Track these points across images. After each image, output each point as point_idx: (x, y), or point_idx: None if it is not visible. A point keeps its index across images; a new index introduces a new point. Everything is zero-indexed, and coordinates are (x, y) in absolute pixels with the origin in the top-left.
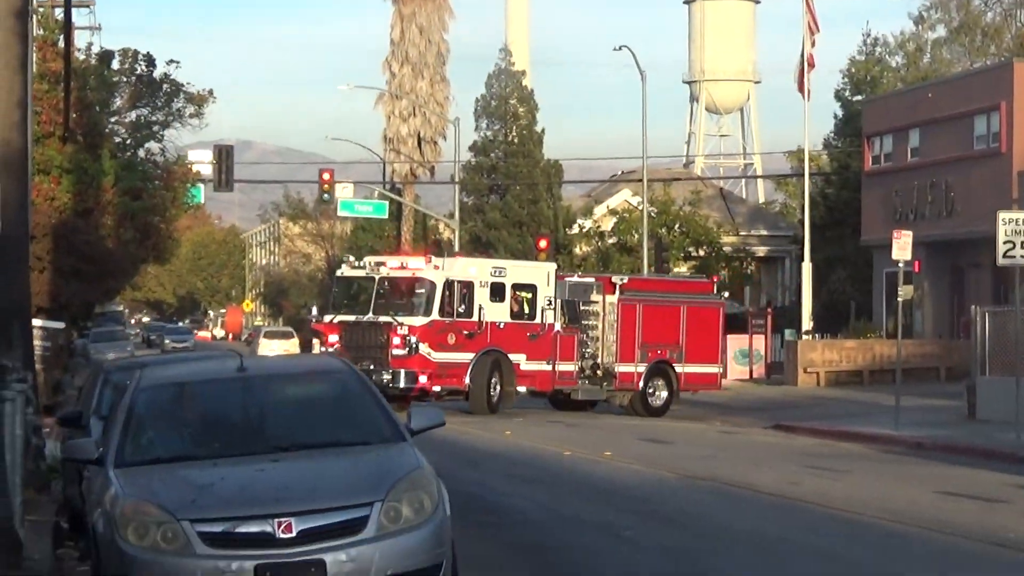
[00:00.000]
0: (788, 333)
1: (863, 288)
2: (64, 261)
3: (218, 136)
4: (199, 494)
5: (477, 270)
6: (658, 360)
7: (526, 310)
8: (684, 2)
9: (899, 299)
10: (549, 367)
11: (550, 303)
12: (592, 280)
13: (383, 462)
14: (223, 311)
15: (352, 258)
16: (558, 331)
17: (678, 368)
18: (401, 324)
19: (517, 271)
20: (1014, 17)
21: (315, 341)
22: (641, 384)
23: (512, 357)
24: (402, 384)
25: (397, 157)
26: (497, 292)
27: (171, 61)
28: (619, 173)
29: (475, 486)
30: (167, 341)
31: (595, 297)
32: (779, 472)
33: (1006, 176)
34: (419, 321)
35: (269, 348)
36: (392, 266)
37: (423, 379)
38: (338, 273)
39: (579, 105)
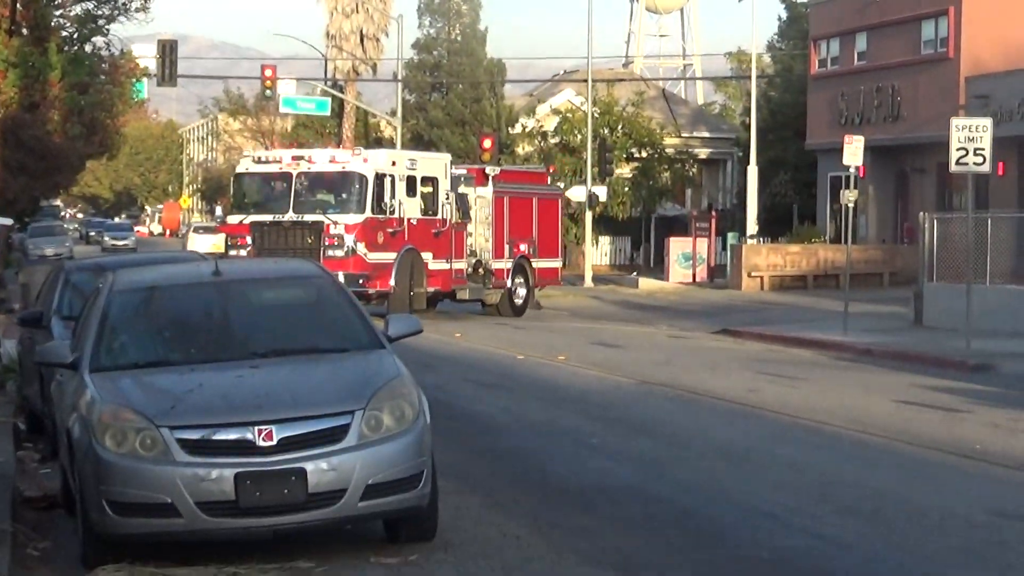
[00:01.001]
0: (731, 237)
1: (805, 192)
2: (11, 156)
3: (153, 29)
4: (178, 400)
5: (397, 163)
6: (520, 256)
7: (429, 205)
8: None
9: (844, 203)
10: (448, 266)
11: (448, 197)
12: (464, 171)
13: (363, 370)
14: (160, 207)
15: (255, 153)
16: (452, 227)
17: (534, 263)
18: (335, 223)
19: (424, 163)
20: None
21: (225, 244)
22: (509, 281)
23: (423, 256)
24: None
25: (339, 54)
26: (411, 186)
27: None
28: (561, 72)
29: (437, 391)
30: (106, 238)
31: (465, 189)
32: (736, 378)
33: (953, 81)
34: (354, 219)
35: (198, 243)
36: (315, 160)
37: (361, 281)
38: (240, 170)
39: (522, 3)
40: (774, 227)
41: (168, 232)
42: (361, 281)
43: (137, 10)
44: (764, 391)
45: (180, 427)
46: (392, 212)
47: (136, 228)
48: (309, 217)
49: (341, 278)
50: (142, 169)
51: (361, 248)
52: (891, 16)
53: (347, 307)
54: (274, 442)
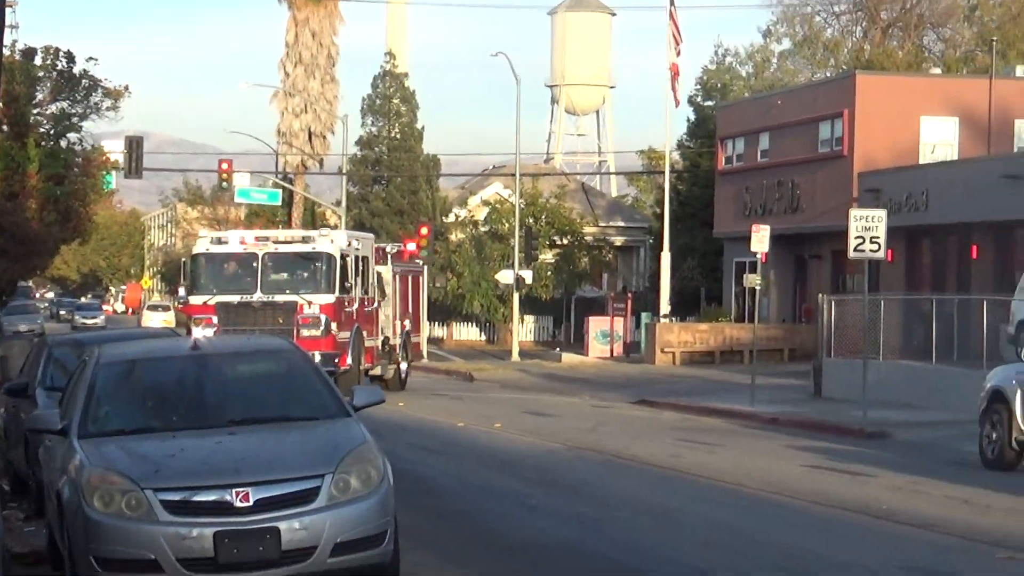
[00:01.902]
0: (644, 316)
1: (712, 276)
2: None
3: (120, 127)
4: (161, 464)
5: (350, 243)
6: (404, 331)
7: (365, 284)
8: (548, 13)
9: (748, 286)
10: (374, 343)
11: (375, 276)
12: None
13: (332, 436)
14: (123, 287)
15: (213, 233)
16: (377, 306)
17: (414, 339)
18: (310, 302)
19: (363, 243)
20: (851, 33)
21: (189, 325)
22: (400, 356)
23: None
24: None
25: (289, 149)
26: (357, 266)
27: (90, 58)
28: (490, 167)
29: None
30: (77, 317)
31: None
32: (658, 445)
33: (847, 177)
34: (327, 298)
35: (151, 319)
36: (282, 239)
37: (346, 360)
38: (198, 250)
39: (454, 105)
40: (683, 308)
41: (130, 311)
42: (336, 360)
43: (108, 109)
44: (684, 456)
45: (163, 489)
46: (350, 291)
47: (103, 307)
48: (280, 297)
49: (318, 357)
50: (107, 253)
51: (334, 327)
52: (791, 118)
53: (315, 379)
54: (251, 503)
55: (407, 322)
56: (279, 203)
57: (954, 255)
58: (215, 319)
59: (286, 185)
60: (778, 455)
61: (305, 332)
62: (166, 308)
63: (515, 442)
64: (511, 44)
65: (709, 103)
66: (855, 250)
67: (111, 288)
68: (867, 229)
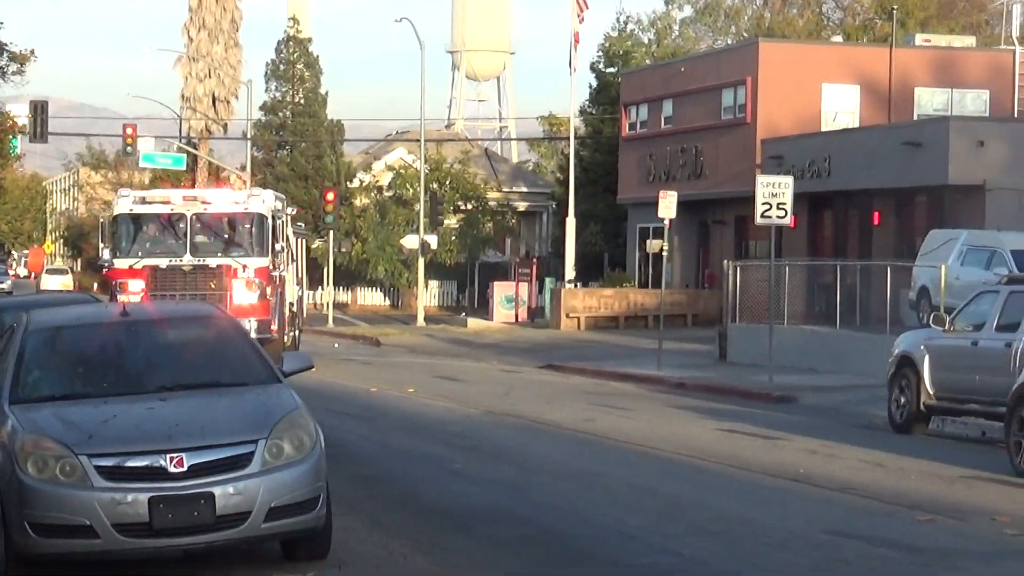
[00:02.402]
0: (549, 281)
1: (615, 242)
2: None
3: (22, 91)
4: (94, 430)
5: (278, 204)
6: (300, 295)
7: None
8: None
9: (650, 251)
10: (286, 309)
11: (287, 239)
12: None
13: (264, 402)
14: (26, 252)
15: (137, 192)
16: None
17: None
18: (244, 267)
19: (282, 204)
20: (751, 1)
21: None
22: (298, 322)
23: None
24: (254, 335)
25: (193, 114)
26: (283, 228)
27: None
28: (394, 133)
29: None
30: None
31: None
32: (571, 409)
33: (751, 144)
34: (262, 262)
35: (49, 283)
36: (210, 200)
37: (274, 327)
38: (120, 211)
39: (358, 70)
40: (587, 273)
41: (33, 275)
42: (273, 327)
43: (14, 73)
44: (599, 420)
45: (97, 455)
46: (279, 254)
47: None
48: (213, 260)
49: (254, 325)
50: (9, 217)
51: (268, 292)
52: (695, 85)
53: (245, 345)
54: (185, 468)
55: (300, 286)
56: (183, 168)
57: (856, 222)
58: (142, 284)
59: (190, 150)
60: (690, 419)
61: (239, 298)
62: (64, 272)
63: (430, 407)
64: (413, 10)
65: (611, 70)
66: (762, 216)
67: (13, 252)
68: (774, 196)
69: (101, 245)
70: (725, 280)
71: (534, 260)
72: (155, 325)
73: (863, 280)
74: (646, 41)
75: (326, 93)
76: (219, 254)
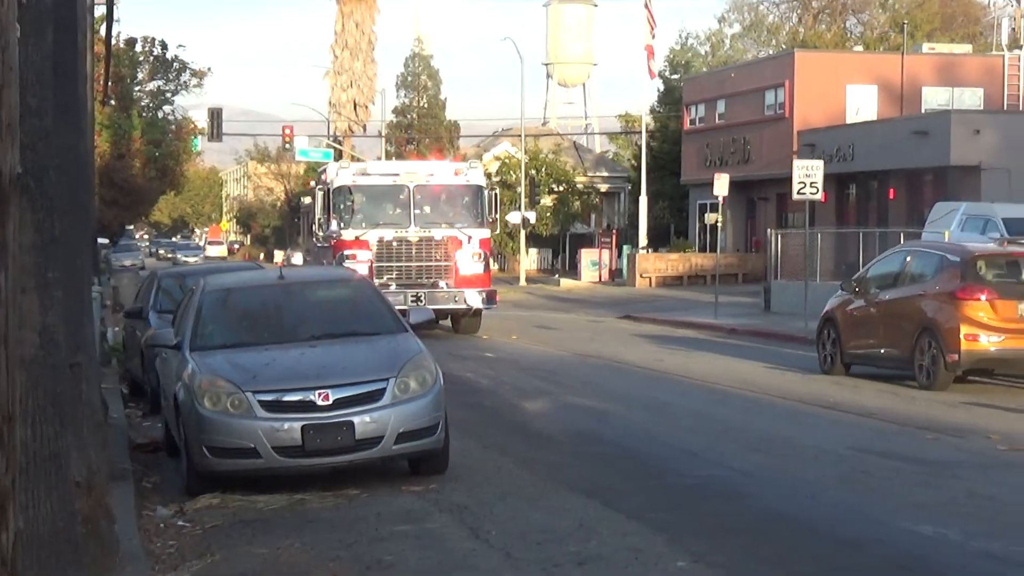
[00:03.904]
0: (626, 248)
1: (679, 216)
2: (106, 193)
3: (202, 100)
4: (257, 372)
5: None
6: None
7: None
8: (543, 5)
9: (708, 223)
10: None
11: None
12: None
13: (394, 347)
14: (206, 229)
15: (357, 164)
16: None
17: None
18: (469, 237)
19: None
20: (788, 18)
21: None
22: None
23: None
24: (479, 305)
25: (339, 117)
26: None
27: (179, 45)
28: (500, 130)
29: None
30: (179, 256)
31: None
32: (644, 351)
33: (788, 135)
34: (484, 233)
35: (210, 251)
36: (433, 172)
37: (497, 298)
38: (342, 182)
39: (470, 80)
40: (656, 241)
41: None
42: (497, 297)
43: (194, 86)
44: (666, 360)
45: (260, 391)
46: (493, 226)
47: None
48: (439, 232)
49: (477, 296)
50: (192, 202)
51: (489, 263)
52: (743, 87)
53: (378, 302)
54: (330, 402)
55: None
56: (331, 160)
57: (875, 197)
58: (369, 254)
59: (336, 146)
60: (739, 359)
61: (466, 268)
62: (220, 243)
63: (531, 350)
64: (514, 31)
65: (675, 76)
66: (798, 193)
67: (196, 230)
68: (808, 176)
69: (319, 217)
70: (769, 245)
71: (614, 231)
72: (306, 286)
73: (881, 244)
74: (703, 52)
75: (445, 99)
76: (443, 225)
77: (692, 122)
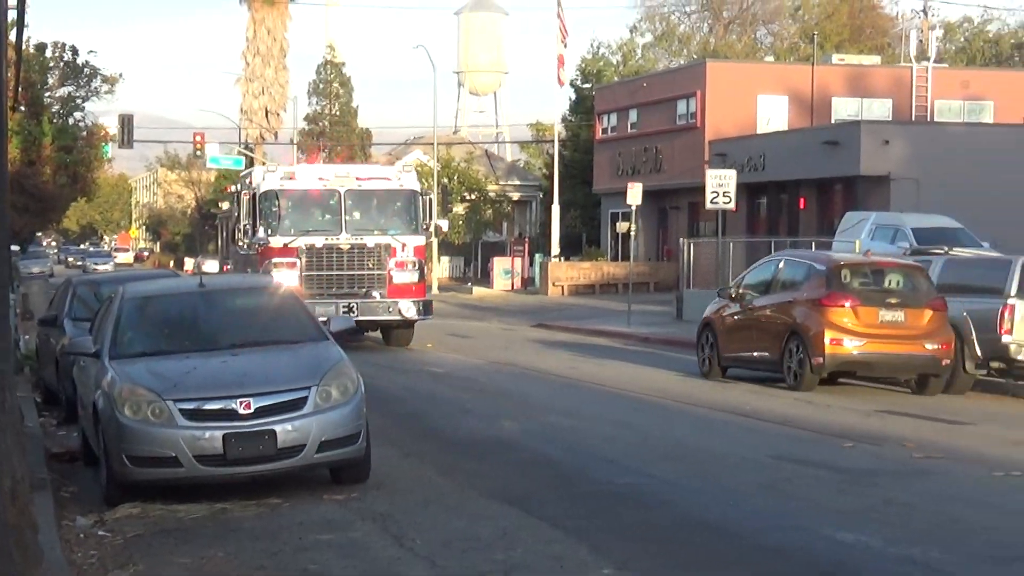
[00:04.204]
0: (538, 256)
1: (591, 224)
2: (17, 200)
3: (112, 107)
4: (178, 380)
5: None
6: None
7: None
8: (455, 14)
9: (620, 232)
10: None
11: None
12: None
13: (315, 356)
14: (115, 236)
15: (282, 168)
16: None
17: None
18: (404, 245)
19: None
20: (699, 28)
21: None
22: None
23: None
24: (414, 316)
25: (250, 124)
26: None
27: (91, 51)
28: (412, 138)
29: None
30: (89, 263)
31: None
32: (558, 359)
33: (700, 144)
34: (419, 240)
35: (119, 257)
36: (363, 175)
37: (432, 309)
38: (269, 186)
39: (382, 87)
40: (568, 250)
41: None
42: (430, 308)
43: (105, 92)
44: (581, 367)
45: (181, 400)
46: (427, 234)
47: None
48: (371, 239)
49: (413, 307)
50: (101, 209)
51: (424, 272)
52: (654, 97)
53: (299, 309)
54: (252, 410)
55: None
56: (243, 167)
57: (786, 206)
58: (297, 262)
59: (248, 153)
60: (653, 367)
61: (400, 277)
62: (126, 250)
63: (445, 358)
64: (426, 39)
65: (587, 85)
66: (711, 202)
67: (105, 236)
68: (720, 185)
69: (244, 223)
70: (681, 254)
71: (526, 239)
72: (227, 294)
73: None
74: (614, 62)
75: (357, 106)
76: (375, 232)
77: (604, 131)
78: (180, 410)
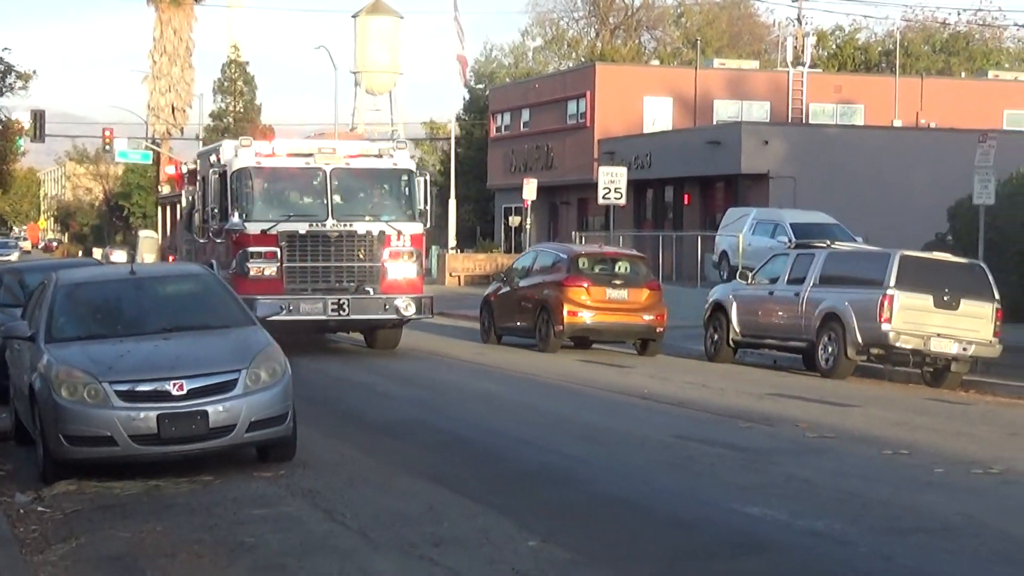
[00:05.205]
0: (435, 248)
1: (484, 218)
2: None
3: (23, 103)
4: (113, 363)
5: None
6: None
7: None
8: (352, 16)
9: (512, 225)
10: None
11: None
12: None
13: (244, 339)
14: (24, 227)
15: (257, 143)
16: None
17: None
18: (399, 233)
19: None
20: (587, 33)
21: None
22: None
23: None
24: (412, 314)
25: (157, 120)
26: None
27: (5, 48)
28: (312, 135)
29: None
30: None
31: None
32: (464, 347)
33: (589, 143)
34: (415, 227)
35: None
36: (354, 153)
37: (432, 306)
38: (243, 163)
39: (284, 86)
40: (464, 242)
41: (31, 245)
42: (431, 306)
43: (20, 88)
44: (488, 355)
45: (116, 381)
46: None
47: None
48: (362, 226)
49: (411, 304)
50: (11, 201)
51: (423, 264)
52: (546, 97)
53: (227, 296)
54: (184, 392)
55: None
56: (150, 161)
57: (671, 202)
58: (276, 251)
59: (155, 148)
60: (559, 354)
61: (395, 270)
62: (25, 240)
63: (352, 345)
64: (325, 40)
65: (480, 86)
66: (603, 197)
67: (14, 227)
68: (612, 182)
69: (211, 207)
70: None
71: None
72: (157, 280)
73: (678, 246)
74: (507, 64)
75: (260, 104)
76: (366, 218)
77: (498, 129)
78: (115, 391)
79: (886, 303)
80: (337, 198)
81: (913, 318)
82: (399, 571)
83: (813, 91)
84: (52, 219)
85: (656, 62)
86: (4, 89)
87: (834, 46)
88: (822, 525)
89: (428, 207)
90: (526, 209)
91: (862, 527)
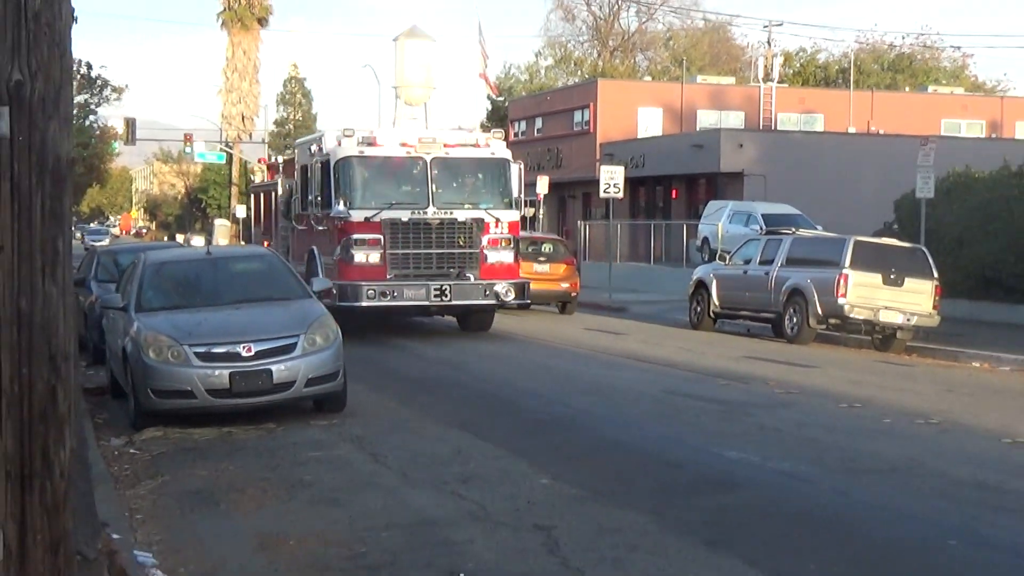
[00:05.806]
0: None
1: None
2: None
3: (118, 111)
4: (192, 329)
5: None
6: None
7: None
8: (393, 40)
9: (527, 216)
10: None
11: None
12: None
13: (302, 310)
14: (119, 217)
15: (359, 132)
16: None
17: None
18: (497, 220)
19: None
20: (590, 54)
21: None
22: None
23: None
24: (511, 300)
25: (229, 127)
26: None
27: (102, 66)
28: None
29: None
30: (87, 239)
31: None
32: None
33: (592, 146)
34: (512, 215)
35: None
36: (453, 143)
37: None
38: (345, 153)
39: (338, 99)
40: None
41: (124, 232)
42: (529, 291)
43: (114, 99)
44: (503, 324)
45: (195, 344)
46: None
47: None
48: (462, 214)
49: (509, 290)
50: (108, 195)
51: (519, 250)
52: (556, 108)
53: (288, 273)
54: (252, 353)
55: None
56: (224, 162)
57: (661, 196)
58: (380, 238)
59: (228, 150)
60: (563, 323)
61: (494, 256)
62: (115, 227)
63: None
64: (370, 59)
65: (500, 99)
66: (604, 191)
67: (110, 216)
68: (611, 179)
69: (314, 195)
70: (578, 234)
71: None
72: (229, 260)
73: (667, 233)
74: (523, 80)
75: (316, 113)
76: (466, 205)
77: (516, 135)
78: (194, 353)
79: (842, 281)
80: (437, 186)
81: (865, 293)
82: (433, 504)
83: (781, 102)
84: (142, 210)
85: (648, 78)
86: (101, 100)
87: (798, 65)
88: (789, 466)
89: (521, 195)
90: (539, 202)
91: (823, 468)
